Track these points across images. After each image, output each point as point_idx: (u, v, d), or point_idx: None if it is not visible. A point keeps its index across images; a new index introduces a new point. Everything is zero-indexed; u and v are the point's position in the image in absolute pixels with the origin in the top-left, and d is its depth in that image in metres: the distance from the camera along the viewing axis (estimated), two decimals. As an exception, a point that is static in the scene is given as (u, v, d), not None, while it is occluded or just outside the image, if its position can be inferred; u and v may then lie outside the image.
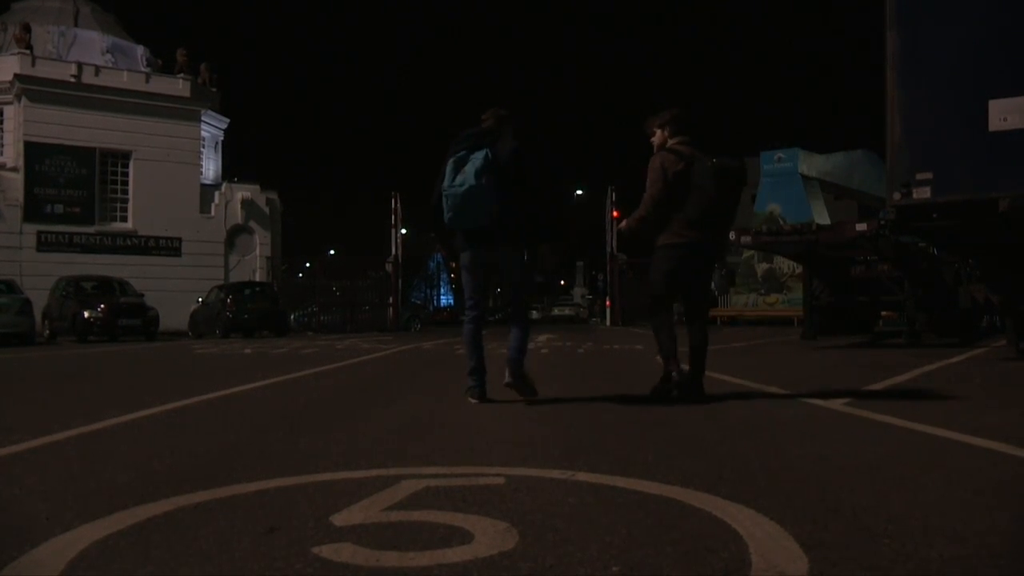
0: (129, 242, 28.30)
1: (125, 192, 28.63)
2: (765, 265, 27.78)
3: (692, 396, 4.79)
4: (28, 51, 27.44)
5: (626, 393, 5.28)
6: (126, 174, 28.62)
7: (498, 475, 2.68)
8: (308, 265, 34.17)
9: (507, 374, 4.74)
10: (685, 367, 4.86)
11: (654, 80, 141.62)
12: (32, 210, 26.73)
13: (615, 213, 31.40)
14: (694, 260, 4.89)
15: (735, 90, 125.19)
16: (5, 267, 23.53)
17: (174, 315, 23.51)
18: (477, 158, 4.55)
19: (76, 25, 30.50)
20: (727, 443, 3.36)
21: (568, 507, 2.26)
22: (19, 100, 27.10)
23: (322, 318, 28.08)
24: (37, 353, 13.04)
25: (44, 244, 26.83)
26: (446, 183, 4.57)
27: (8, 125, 27.78)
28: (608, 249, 33.20)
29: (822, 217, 25.85)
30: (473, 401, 4.77)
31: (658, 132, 5.03)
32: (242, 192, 30.51)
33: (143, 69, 30.43)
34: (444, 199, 4.57)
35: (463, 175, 4.53)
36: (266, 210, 30.95)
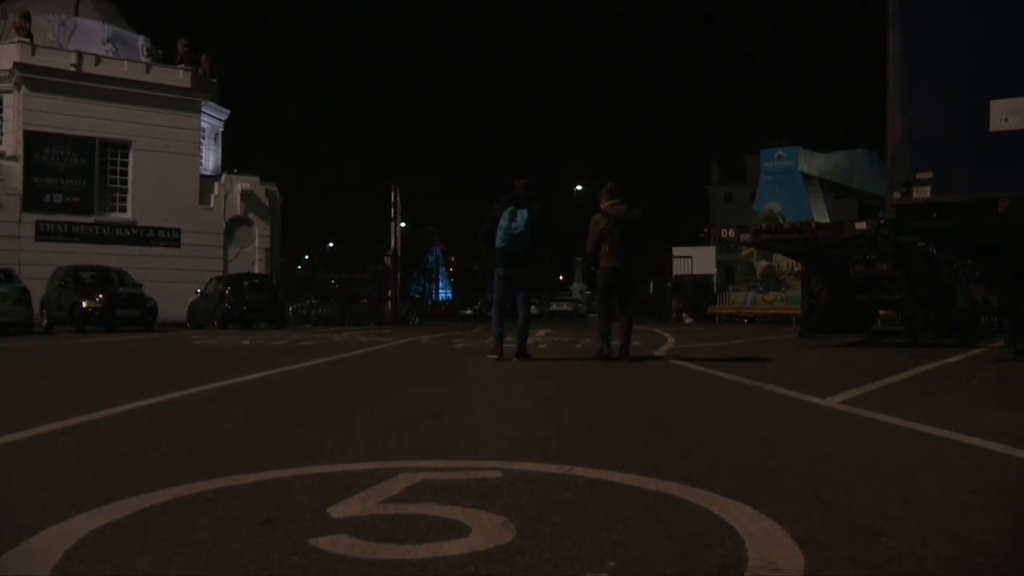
0: (128, 232, 28.27)
1: (124, 182, 28.60)
2: (764, 263, 27.75)
3: (622, 360, 7.56)
4: (28, 40, 27.36)
5: (624, 386, 5.29)
6: (125, 164, 28.58)
7: (496, 469, 2.68)
8: (307, 257, 34.08)
9: (515, 352, 7.88)
10: (616, 342, 7.86)
11: (656, 78, 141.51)
12: (31, 199, 26.70)
13: None
14: (618, 277, 7.95)
15: (736, 87, 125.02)
16: (3, 256, 23.45)
17: (172, 306, 23.47)
18: (525, 213, 7.69)
19: (77, 14, 30.41)
20: (724, 440, 3.37)
21: (565, 502, 2.26)
22: (19, 89, 27.03)
23: (320, 310, 27.99)
24: (35, 343, 13.04)
25: (43, 234, 26.79)
26: (505, 224, 7.62)
27: (7, 114, 27.72)
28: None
29: (822, 215, 25.93)
30: (493, 357, 7.67)
31: (602, 200, 8.08)
32: (242, 184, 30.49)
33: (144, 59, 30.35)
34: (502, 232, 7.62)
35: (516, 222, 7.62)
36: (265, 202, 30.92)
